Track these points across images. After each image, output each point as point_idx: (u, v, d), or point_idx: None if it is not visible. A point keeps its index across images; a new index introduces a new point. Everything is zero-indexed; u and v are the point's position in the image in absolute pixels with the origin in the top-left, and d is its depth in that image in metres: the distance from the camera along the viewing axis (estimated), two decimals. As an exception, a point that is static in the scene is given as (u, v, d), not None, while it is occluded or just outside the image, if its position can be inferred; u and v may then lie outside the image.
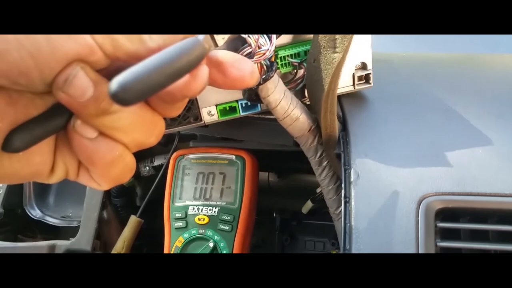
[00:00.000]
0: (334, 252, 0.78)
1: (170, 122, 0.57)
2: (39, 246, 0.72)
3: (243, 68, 0.32)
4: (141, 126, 0.30)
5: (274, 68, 0.47)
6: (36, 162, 0.30)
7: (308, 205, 0.75)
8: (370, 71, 0.53)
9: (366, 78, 0.54)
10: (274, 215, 0.91)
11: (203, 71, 0.29)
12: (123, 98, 0.23)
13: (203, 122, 0.57)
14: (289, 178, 0.84)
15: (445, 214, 0.45)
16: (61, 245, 0.72)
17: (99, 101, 0.27)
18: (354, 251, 0.43)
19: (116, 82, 0.23)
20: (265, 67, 0.47)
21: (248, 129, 0.64)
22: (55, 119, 0.29)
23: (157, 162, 0.79)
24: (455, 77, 0.63)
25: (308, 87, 0.52)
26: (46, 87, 0.27)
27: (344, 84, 0.54)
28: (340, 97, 0.55)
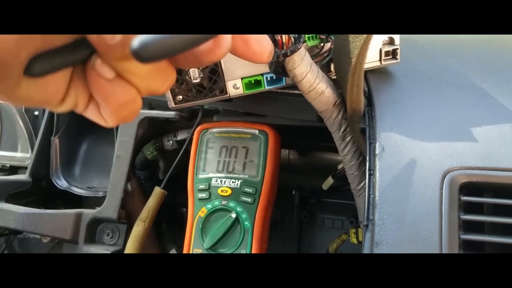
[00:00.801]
0: (353, 231, 0.79)
1: (196, 94, 0.58)
2: (67, 213, 0.74)
3: (265, 45, 0.34)
4: (157, 76, 0.33)
5: (301, 40, 0.48)
6: (50, 90, 0.31)
7: (329, 181, 0.76)
8: (398, 46, 0.53)
9: (393, 54, 0.54)
10: (293, 192, 0.93)
11: (227, 38, 0.30)
12: (142, 55, 0.25)
13: (228, 95, 0.58)
14: (309, 155, 0.84)
15: (469, 188, 0.45)
16: (88, 213, 0.74)
17: (125, 46, 0.28)
18: (378, 221, 0.43)
19: (138, 40, 0.25)
20: (292, 38, 0.47)
21: (271, 104, 0.64)
22: (76, 53, 0.30)
23: (180, 136, 0.80)
24: (482, 55, 0.63)
25: (335, 60, 0.53)
26: None
27: (371, 60, 0.54)
28: (366, 72, 0.56)
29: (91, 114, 0.35)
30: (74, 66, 0.32)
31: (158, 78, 0.33)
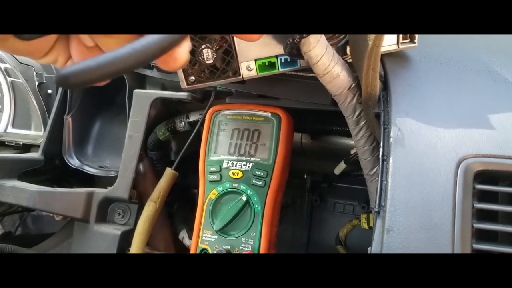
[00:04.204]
0: (364, 216, 0.79)
1: (209, 75, 0.57)
2: (78, 192, 0.74)
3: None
4: None
5: (317, 22, 0.47)
6: (36, 45, 0.34)
7: (341, 166, 0.75)
8: (416, 30, 0.52)
9: (411, 37, 0.53)
10: (305, 176, 0.92)
11: (181, 52, 0.32)
12: (62, 85, 0.27)
13: (241, 77, 0.57)
14: (322, 140, 0.84)
15: (484, 176, 0.44)
16: (99, 192, 0.74)
17: None
18: (389, 207, 0.43)
19: (61, 72, 0.27)
20: (308, 20, 0.46)
21: (285, 86, 0.63)
22: None
23: (192, 118, 0.79)
24: (503, 41, 0.61)
25: (351, 43, 0.52)
26: None
27: (388, 43, 0.53)
28: (382, 56, 0.54)
29: None
30: None
31: None
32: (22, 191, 0.76)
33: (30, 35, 0.31)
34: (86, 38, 0.34)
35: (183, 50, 0.32)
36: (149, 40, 0.28)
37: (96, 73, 0.27)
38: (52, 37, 0.35)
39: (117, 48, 0.27)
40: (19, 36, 0.30)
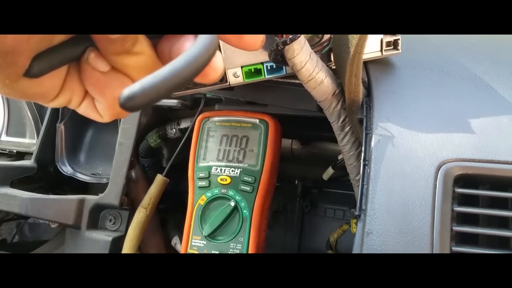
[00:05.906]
0: (354, 221, 0.79)
1: (197, 82, 0.58)
2: (69, 199, 0.75)
3: (258, 36, 0.34)
4: (154, 69, 0.32)
5: (300, 30, 0.47)
6: (45, 86, 0.31)
7: (329, 171, 0.76)
8: (399, 37, 0.53)
9: (395, 44, 0.54)
10: (296, 182, 0.93)
11: (219, 61, 0.31)
12: (129, 107, 0.25)
13: (228, 83, 0.58)
14: (312, 146, 0.84)
15: (464, 180, 0.45)
16: (90, 199, 0.75)
17: (126, 41, 0.29)
18: (369, 211, 0.43)
19: (124, 93, 0.24)
20: (291, 28, 0.47)
21: (272, 93, 0.64)
22: (72, 50, 0.31)
23: (183, 124, 0.80)
24: (487, 48, 0.62)
25: (334, 50, 0.53)
26: None
27: (372, 50, 0.54)
28: (366, 63, 0.55)
29: (86, 110, 0.35)
30: (70, 63, 0.32)
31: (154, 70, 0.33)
32: (14, 198, 0.77)
33: (39, 70, 0.29)
34: (100, 63, 0.31)
35: (219, 57, 0.31)
36: (200, 44, 0.27)
37: (162, 89, 0.25)
38: (62, 72, 0.32)
39: (173, 61, 0.26)
40: (29, 74, 0.29)
